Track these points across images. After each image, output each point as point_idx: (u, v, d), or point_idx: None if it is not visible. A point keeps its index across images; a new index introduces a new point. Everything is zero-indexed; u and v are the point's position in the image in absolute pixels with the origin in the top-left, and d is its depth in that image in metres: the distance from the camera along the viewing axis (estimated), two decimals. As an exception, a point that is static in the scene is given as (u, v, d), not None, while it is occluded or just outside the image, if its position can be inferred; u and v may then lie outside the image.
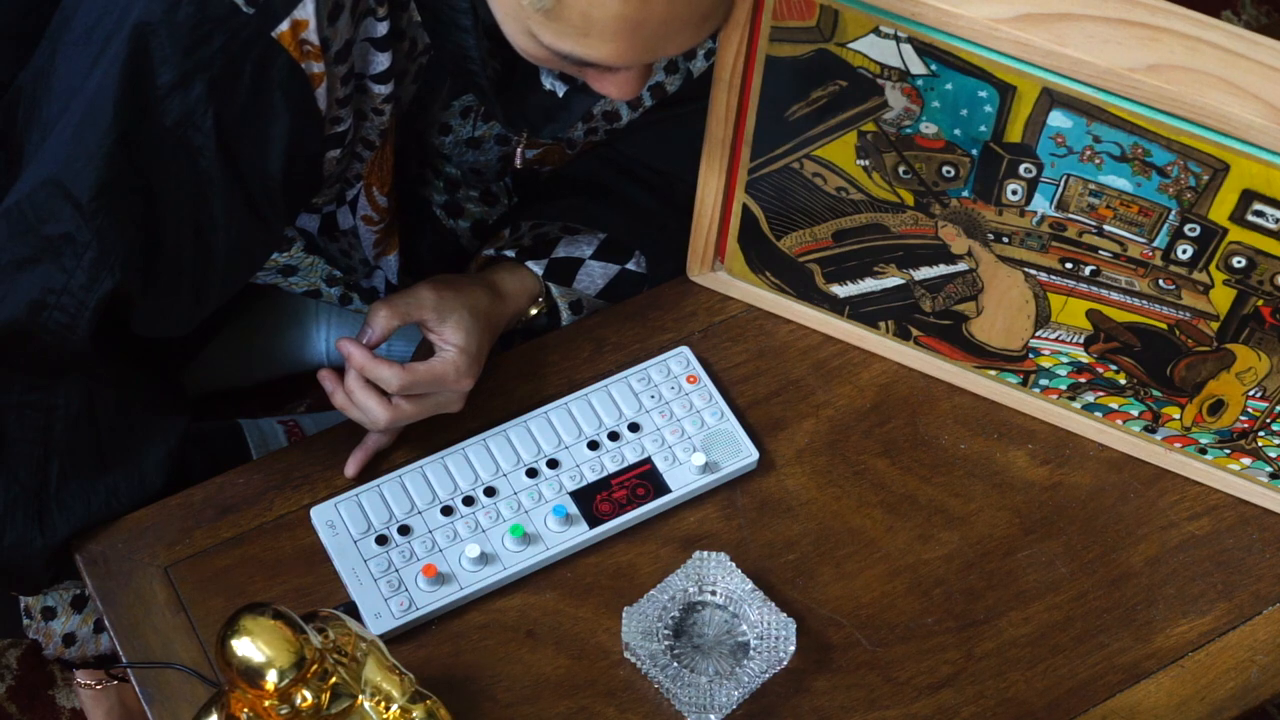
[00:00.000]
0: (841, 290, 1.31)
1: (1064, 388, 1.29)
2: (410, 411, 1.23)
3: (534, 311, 1.35)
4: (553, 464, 1.26)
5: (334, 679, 1.04)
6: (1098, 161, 1.11)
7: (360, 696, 1.05)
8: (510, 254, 1.34)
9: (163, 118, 1.06)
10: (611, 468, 1.26)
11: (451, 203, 1.46)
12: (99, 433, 1.21)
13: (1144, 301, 1.19)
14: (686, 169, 1.30)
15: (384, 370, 1.21)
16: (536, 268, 1.33)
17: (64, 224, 1.08)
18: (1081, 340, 1.24)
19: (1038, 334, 1.26)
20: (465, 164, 1.39)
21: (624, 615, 1.18)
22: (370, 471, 1.26)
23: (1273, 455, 1.25)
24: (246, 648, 0.99)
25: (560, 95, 1.22)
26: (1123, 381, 1.26)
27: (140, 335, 1.21)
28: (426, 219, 1.46)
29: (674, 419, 1.28)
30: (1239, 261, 1.13)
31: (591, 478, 1.25)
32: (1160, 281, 1.17)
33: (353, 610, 1.18)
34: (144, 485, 1.24)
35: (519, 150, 1.35)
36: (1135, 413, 1.28)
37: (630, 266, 1.38)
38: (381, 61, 1.14)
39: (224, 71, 1.05)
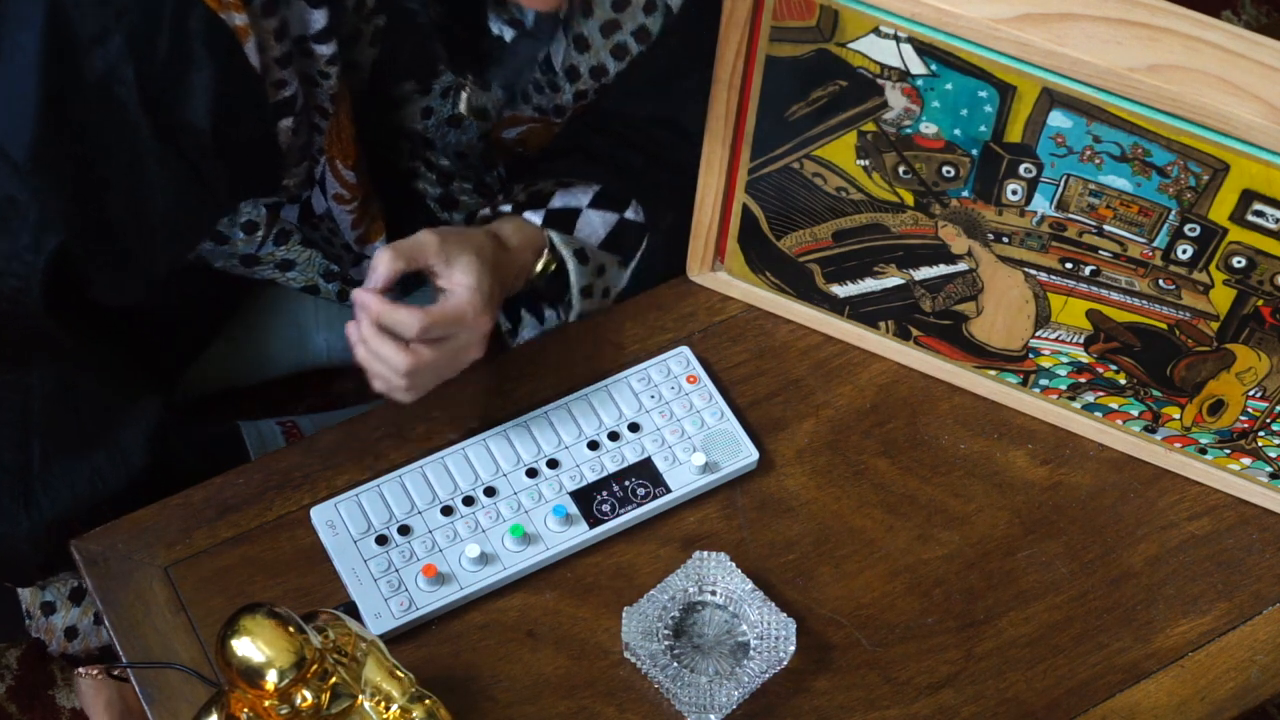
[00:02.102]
0: (841, 290, 1.31)
1: (1064, 388, 1.29)
2: (429, 358, 1.17)
3: (539, 266, 1.31)
4: (553, 464, 1.26)
5: (334, 679, 1.03)
6: (1098, 161, 1.11)
7: (360, 696, 1.05)
8: (507, 208, 1.31)
9: (87, 73, 1.05)
10: (611, 468, 1.26)
11: (446, 195, 1.45)
12: (78, 413, 1.20)
13: (1144, 301, 1.19)
14: (678, 117, 1.28)
15: (401, 314, 1.15)
16: (535, 217, 1.30)
17: (3, 187, 1.07)
18: (1081, 340, 1.24)
19: (1038, 334, 1.26)
20: (449, 146, 1.37)
21: (624, 615, 1.17)
22: (370, 471, 1.26)
23: (1273, 455, 1.25)
24: (246, 648, 0.99)
25: (508, 40, 1.21)
26: (1123, 381, 1.26)
27: (101, 304, 1.20)
28: (420, 211, 1.45)
29: (674, 419, 1.28)
30: (1239, 261, 1.13)
31: (591, 478, 1.25)
32: (1160, 281, 1.17)
33: (353, 610, 1.18)
34: (127, 466, 1.23)
35: (497, 113, 1.32)
36: (1135, 413, 1.28)
37: (629, 215, 1.36)
38: (318, 19, 1.13)
39: (141, 23, 1.04)
